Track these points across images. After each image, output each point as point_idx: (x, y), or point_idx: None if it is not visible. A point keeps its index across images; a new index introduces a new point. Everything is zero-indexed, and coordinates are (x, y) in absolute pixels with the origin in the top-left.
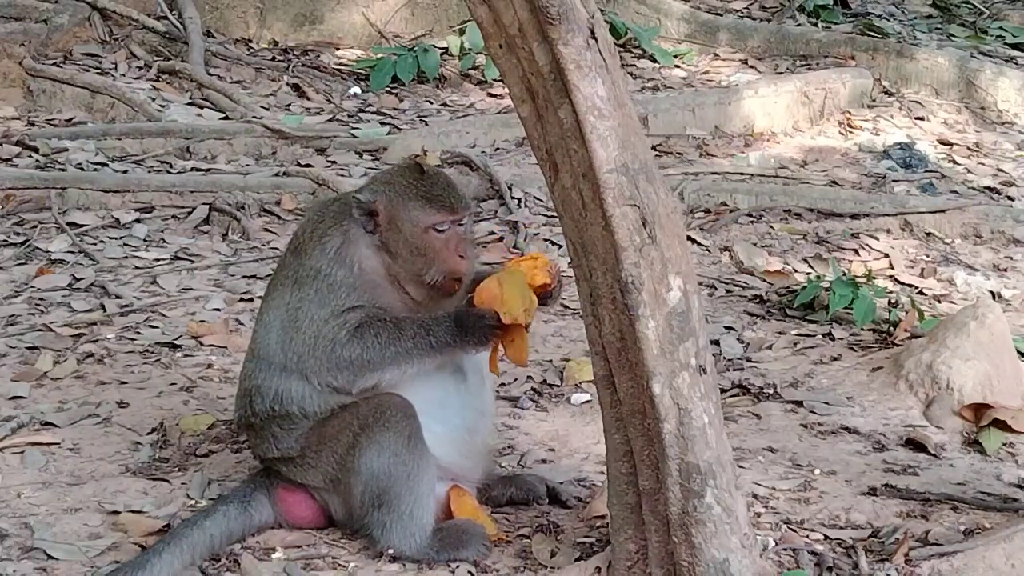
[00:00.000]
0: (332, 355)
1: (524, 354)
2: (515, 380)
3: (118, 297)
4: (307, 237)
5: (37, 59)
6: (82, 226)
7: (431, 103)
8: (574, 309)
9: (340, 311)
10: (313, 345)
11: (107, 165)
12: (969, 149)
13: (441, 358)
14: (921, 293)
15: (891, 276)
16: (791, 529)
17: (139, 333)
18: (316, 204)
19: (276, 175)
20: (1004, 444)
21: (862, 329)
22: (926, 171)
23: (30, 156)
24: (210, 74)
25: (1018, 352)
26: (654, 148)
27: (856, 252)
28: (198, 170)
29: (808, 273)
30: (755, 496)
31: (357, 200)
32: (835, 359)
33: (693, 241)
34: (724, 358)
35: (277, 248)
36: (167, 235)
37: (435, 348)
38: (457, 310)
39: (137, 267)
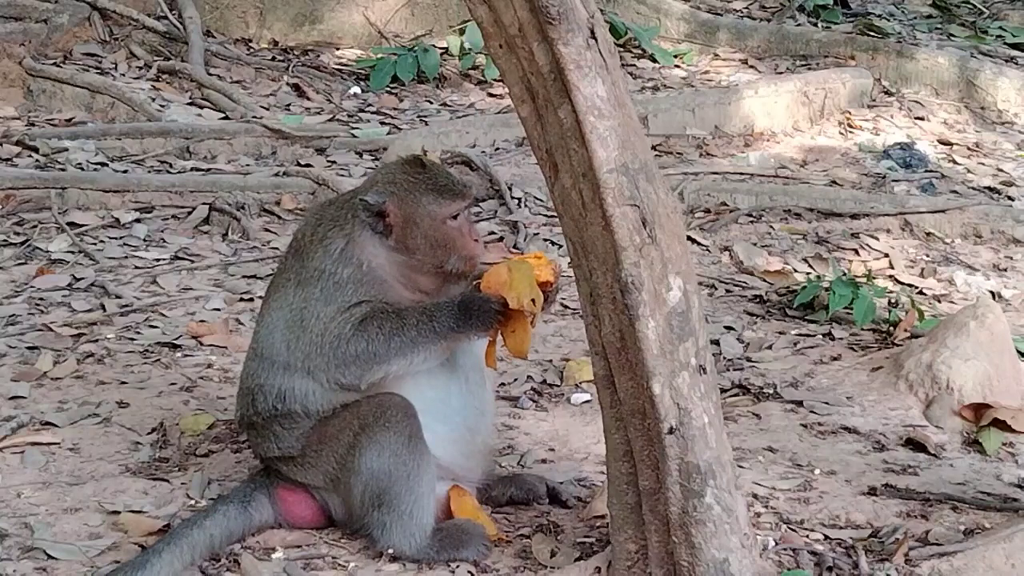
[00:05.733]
0: (338, 351)
1: (525, 346)
2: (515, 380)
3: (118, 297)
4: (308, 240)
5: (37, 59)
6: (82, 226)
7: (431, 103)
8: (574, 309)
9: (346, 307)
10: (320, 343)
11: (107, 165)
12: (969, 149)
13: (446, 344)
14: (921, 293)
15: (891, 276)
16: (791, 529)
17: (139, 333)
18: (314, 207)
19: (276, 175)
20: (1004, 444)
21: (862, 329)
22: (926, 171)
23: (30, 156)
24: (210, 74)
25: (1018, 352)
26: (654, 148)
27: (856, 252)
28: (198, 170)
29: (808, 273)
30: (755, 496)
31: (365, 203)
32: (835, 359)
33: (693, 241)
34: (724, 358)
35: (277, 248)
36: (167, 235)
37: (439, 335)
38: (463, 295)
39: (137, 267)
